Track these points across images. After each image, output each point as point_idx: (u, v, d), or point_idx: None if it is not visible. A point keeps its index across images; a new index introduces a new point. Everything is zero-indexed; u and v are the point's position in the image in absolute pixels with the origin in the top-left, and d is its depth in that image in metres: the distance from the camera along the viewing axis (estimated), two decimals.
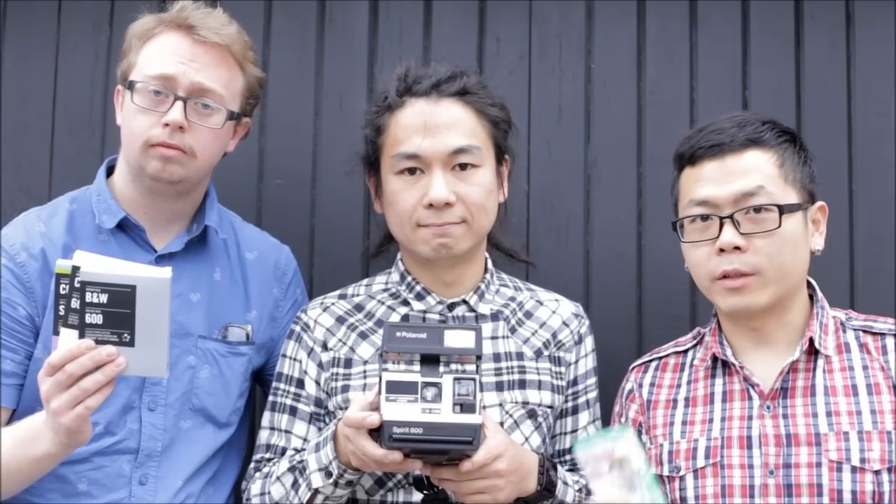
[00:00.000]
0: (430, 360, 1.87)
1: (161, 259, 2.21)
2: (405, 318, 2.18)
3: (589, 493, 2.14)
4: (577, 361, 2.23)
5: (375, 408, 1.84)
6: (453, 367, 1.94)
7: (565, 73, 2.74)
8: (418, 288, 2.19)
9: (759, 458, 1.98)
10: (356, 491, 2.08)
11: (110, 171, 2.29)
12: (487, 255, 2.26)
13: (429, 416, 1.81)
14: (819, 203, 2.09)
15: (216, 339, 2.25)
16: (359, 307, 2.22)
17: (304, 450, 2.09)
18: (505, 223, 2.29)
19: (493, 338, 2.17)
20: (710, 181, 2.03)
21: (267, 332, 2.33)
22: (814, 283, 2.12)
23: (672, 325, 2.40)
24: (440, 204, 2.08)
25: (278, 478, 2.07)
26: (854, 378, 2.02)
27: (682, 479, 2.03)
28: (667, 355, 2.20)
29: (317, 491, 2.00)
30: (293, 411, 2.17)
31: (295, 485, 2.03)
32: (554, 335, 2.22)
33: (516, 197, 2.26)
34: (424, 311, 2.18)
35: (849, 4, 2.70)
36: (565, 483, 2.09)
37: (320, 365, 2.16)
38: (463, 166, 2.11)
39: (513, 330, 2.20)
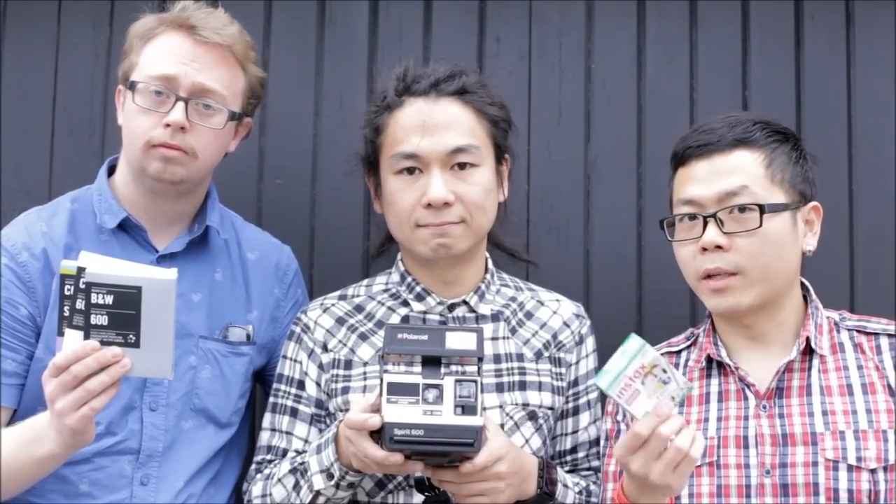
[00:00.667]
0: (432, 362, 1.86)
1: (162, 259, 2.21)
2: (405, 319, 2.18)
3: (590, 494, 2.15)
4: (577, 362, 2.23)
5: (377, 409, 1.84)
6: (454, 368, 1.93)
7: (565, 73, 2.74)
8: (418, 289, 2.19)
9: (755, 458, 1.98)
10: (357, 493, 2.08)
11: (111, 171, 2.29)
12: (488, 255, 2.27)
13: (430, 418, 1.81)
14: (812, 203, 2.09)
15: (217, 339, 2.25)
16: (359, 308, 2.22)
17: (305, 451, 2.09)
18: (505, 222, 2.29)
19: (494, 339, 2.17)
20: (697, 181, 2.04)
21: (268, 333, 2.33)
22: (807, 283, 2.12)
23: (672, 325, 2.40)
24: (439, 204, 2.08)
25: (280, 479, 2.07)
26: (849, 377, 2.02)
27: None
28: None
29: (318, 493, 2.00)
30: (294, 413, 2.16)
31: (296, 486, 2.03)
32: (554, 336, 2.22)
33: (516, 197, 2.26)
34: (424, 312, 2.18)
35: (849, 4, 2.70)
36: (565, 485, 2.09)
37: (321, 366, 2.16)
38: (462, 166, 2.11)
39: (513, 331, 2.20)
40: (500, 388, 2.13)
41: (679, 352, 2.18)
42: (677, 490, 1.84)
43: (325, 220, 2.72)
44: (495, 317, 2.20)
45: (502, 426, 2.08)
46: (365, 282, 2.29)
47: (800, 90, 2.69)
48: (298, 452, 2.12)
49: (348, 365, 2.15)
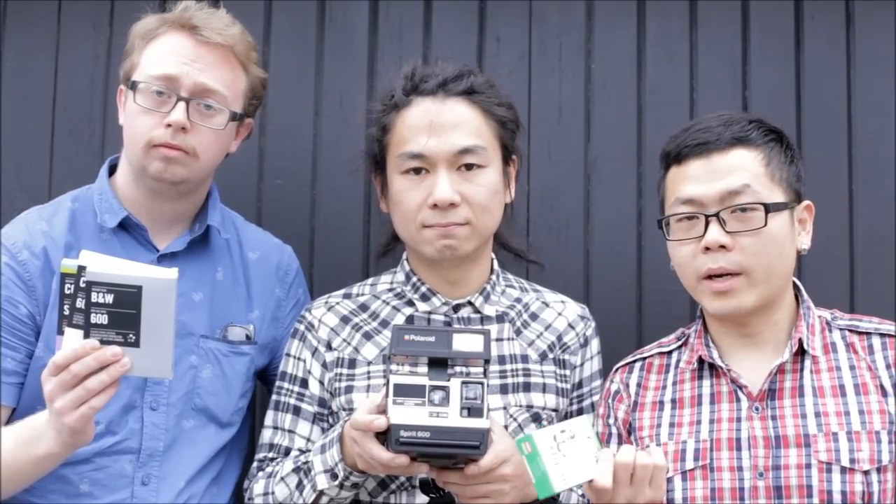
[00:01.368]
0: (438, 364, 1.86)
1: (163, 259, 2.21)
2: (410, 319, 2.17)
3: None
4: (582, 364, 2.23)
5: (382, 411, 1.84)
6: (459, 370, 1.93)
7: (565, 73, 2.74)
8: (423, 288, 2.19)
9: (748, 461, 1.98)
10: (359, 493, 2.07)
11: (112, 171, 2.29)
12: (494, 256, 2.26)
13: (436, 420, 1.81)
14: (805, 202, 2.09)
15: (218, 338, 2.25)
16: (363, 307, 2.21)
17: (307, 450, 2.09)
18: (511, 223, 2.28)
19: (498, 340, 2.17)
20: (695, 180, 2.03)
21: (269, 332, 2.33)
22: (798, 283, 2.12)
23: (672, 325, 2.40)
24: (445, 204, 2.07)
25: (282, 478, 2.07)
26: (841, 378, 2.02)
27: (669, 480, 2.01)
28: (651, 356, 2.19)
29: (321, 492, 2.00)
30: (297, 411, 2.16)
31: (299, 486, 2.03)
32: (559, 338, 2.22)
33: (516, 197, 2.26)
34: (429, 313, 2.18)
35: (849, 4, 2.70)
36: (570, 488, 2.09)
37: (324, 365, 2.16)
38: (469, 166, 2.10)
39: (518, 332, 2.20)
40: (504, 389, 2.13)
41: (670, 352, 2.18)
42: (661, 497, 1.86)
43: (325, 220, 2.72)
44: (500, 318, 2.20)
45: (506, 427, 2.07)
46: (370, 280, 2.29)
47: (800, 90, 2.69)
48: (301, 451, 2.12)
49: (352, 364, 2.14)
